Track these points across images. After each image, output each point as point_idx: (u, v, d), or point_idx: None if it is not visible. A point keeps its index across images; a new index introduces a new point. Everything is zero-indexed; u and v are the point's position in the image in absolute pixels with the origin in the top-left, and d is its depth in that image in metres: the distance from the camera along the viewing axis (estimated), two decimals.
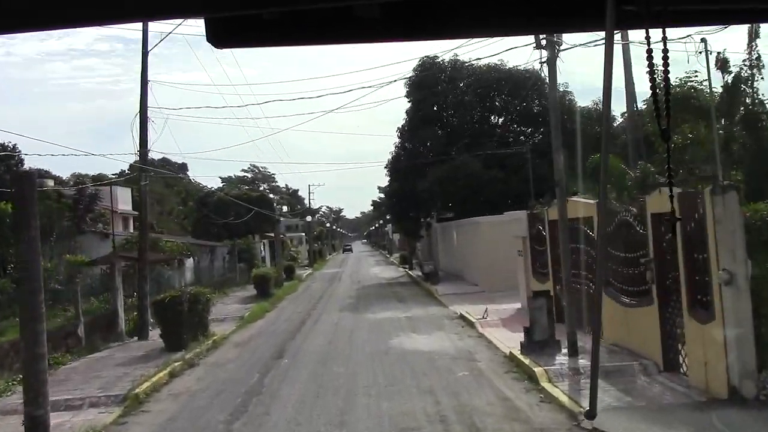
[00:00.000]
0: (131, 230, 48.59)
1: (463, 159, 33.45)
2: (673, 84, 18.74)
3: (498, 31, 1.55)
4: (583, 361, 11.93)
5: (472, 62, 37.03)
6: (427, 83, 36.95)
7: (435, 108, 37.68)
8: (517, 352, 13.23)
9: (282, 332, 19.66)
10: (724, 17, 1.37)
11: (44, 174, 52.48)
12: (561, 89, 36.19)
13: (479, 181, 32.67)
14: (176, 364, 14.65)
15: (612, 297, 13.33)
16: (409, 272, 42.85)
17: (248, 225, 49.24)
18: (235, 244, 40.49)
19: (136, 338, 19.40)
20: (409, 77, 37.35)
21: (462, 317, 20.04)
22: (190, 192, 63.16)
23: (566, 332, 12.64)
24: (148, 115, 20.18)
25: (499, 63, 37.12)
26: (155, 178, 57.76)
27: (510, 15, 1.28)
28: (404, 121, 38.45)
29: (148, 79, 20.19)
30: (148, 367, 14.46)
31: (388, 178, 40.39)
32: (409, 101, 38.19)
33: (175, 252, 32.39)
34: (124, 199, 48.68)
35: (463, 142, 36.78)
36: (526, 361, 12.27)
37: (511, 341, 15.23)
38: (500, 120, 38.78)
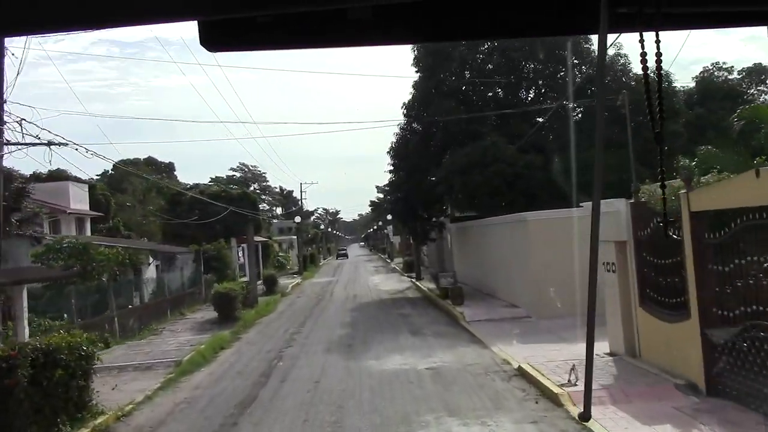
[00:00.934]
0: (88, 233, 40.91)
1: (492, 140, 25.55)
2: None
3: (491, 35, 1.49)
4: None
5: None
6: (440, 46, 29.09)
7: (453, 78, 29.79)
8: None
9: (224, 402, 11.73)
10: (719, 20, 1.34)
11: None
12: (613, 49, 28.54)
13: (514, 168, 24.76)
14: None
15: None
16: (417, 283, 34.92)
17: (228, 227, 41.36)
18: (200, 249, 32.46)
19: None
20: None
21: (523, 374, 12.18)
22: (163, 192, 55.41)
23: None
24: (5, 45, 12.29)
25: None
26: (138, 178, 50.65)
27: (503, 18, 1.27)
28: (411, 96, 30.51)
29: None
30: None
31: (391, 168, 32.27)
32: (417, 71, 30.29)
33: (112, 262, 24.45)
34: (78, 197, 40.76)
35: (488, 119, 28.96)
36: None
37: None
38: (531, 93, 30.96)
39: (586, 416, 1.48)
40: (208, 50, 1.27)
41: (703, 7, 1.26)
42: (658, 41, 1.22)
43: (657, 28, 1.19)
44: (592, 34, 1.28)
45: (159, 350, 18.00)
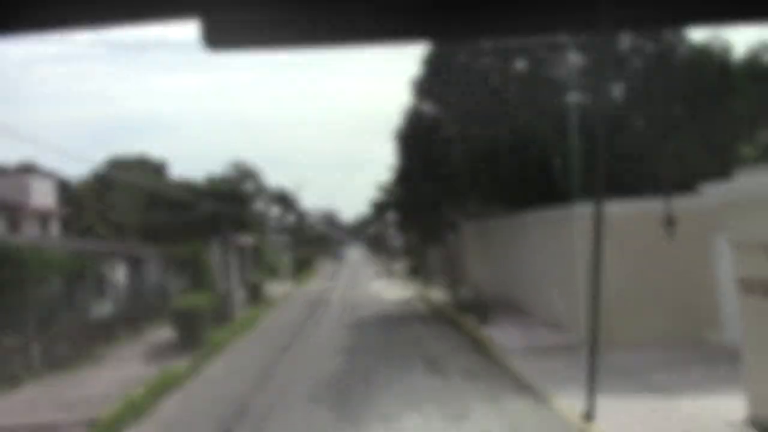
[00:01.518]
0: (55, 233, 36.04)
1: (524, 118, 20.69)
2: None
3: (489, 35, 1.33)
4: None
5: None
6: None
7: (470, 50, 24.91)
8: None
9: None
10: (719, 19, 1.26)
11: None
12: None
13: (550, 150, 19.90)
14: None
15: None
16: (426, 292, 30.01)
17: (216, 227, 36.49)
18: (170, 251, 27.56)
19: None
20: None
21: None
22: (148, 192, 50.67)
23: None
24: None
25: None
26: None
27: (504, 20, 1.24)
28: (421, 72, 25.58)
29: None
30: None
31: (398, 159, 27.33)
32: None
33: (54, 268, 19.58)
34: (42, 192, 35.79)
35: (513, 97, 24.07)
36: None
37: None
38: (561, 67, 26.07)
39: (590, 416, 1.49)
40: (208, 50, 1.25)
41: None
42: (661, 40, 1.62)
43: (655, 26, 1.08)
44: (592, 32, 1.26)
45: (82, 394, 13.08)
